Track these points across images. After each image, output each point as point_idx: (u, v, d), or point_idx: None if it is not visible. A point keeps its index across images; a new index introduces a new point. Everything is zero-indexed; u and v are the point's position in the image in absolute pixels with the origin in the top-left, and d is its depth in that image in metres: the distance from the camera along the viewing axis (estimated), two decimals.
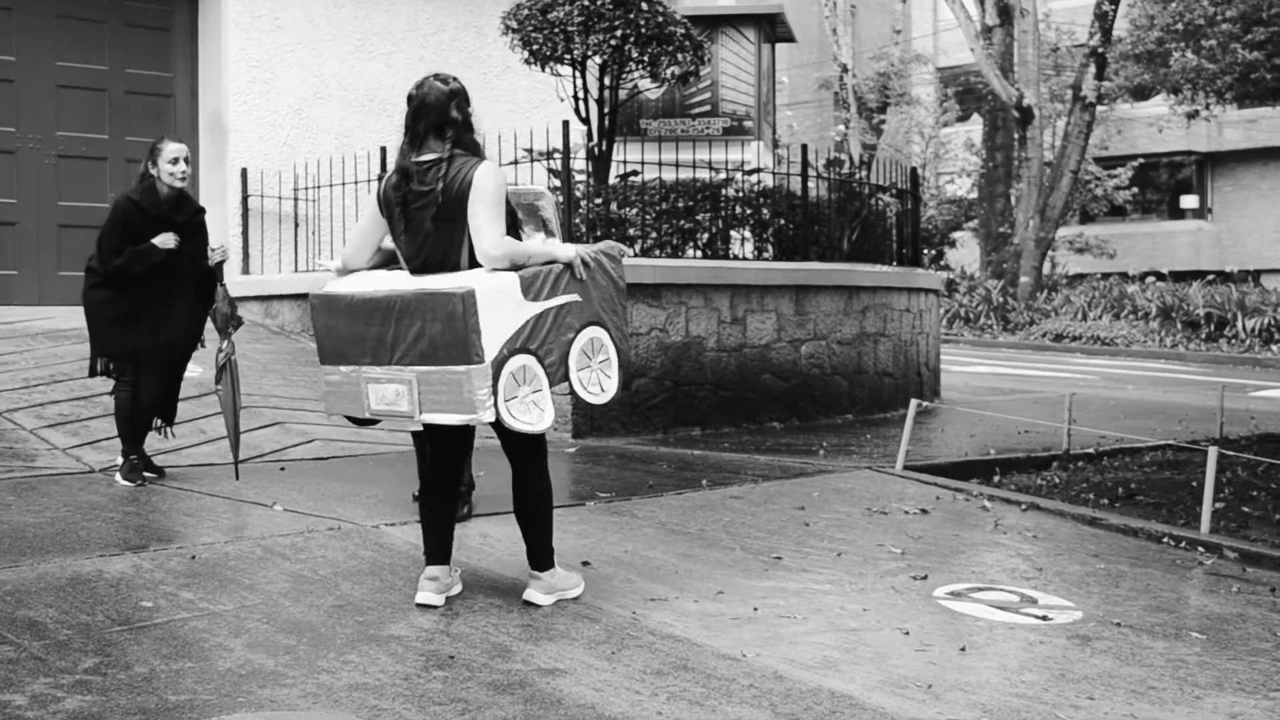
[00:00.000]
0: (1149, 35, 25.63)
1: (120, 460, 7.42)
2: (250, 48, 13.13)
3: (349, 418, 5.33)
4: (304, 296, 12.08)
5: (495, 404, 4.89)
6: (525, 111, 13.91)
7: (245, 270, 13.01)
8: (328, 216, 12.82)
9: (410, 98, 5.23)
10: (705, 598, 5.74)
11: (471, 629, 5.02)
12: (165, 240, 7.36)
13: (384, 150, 11.94)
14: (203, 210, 7.76)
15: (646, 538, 6.77)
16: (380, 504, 6.99)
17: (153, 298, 7.40)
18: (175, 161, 7.43)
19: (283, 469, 7.94)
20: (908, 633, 5.46)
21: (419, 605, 5.25)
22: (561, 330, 5.15)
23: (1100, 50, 26.83)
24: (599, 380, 5.35)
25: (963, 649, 5.30)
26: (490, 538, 6.41)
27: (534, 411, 5.02)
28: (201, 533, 6.24)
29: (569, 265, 5.19)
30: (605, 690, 4.46)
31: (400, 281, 5.10)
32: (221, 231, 13.04)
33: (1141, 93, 28.62)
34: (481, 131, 5.32)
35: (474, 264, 5.08)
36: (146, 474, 7.43)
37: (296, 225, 12.98)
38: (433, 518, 5.38)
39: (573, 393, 5.28)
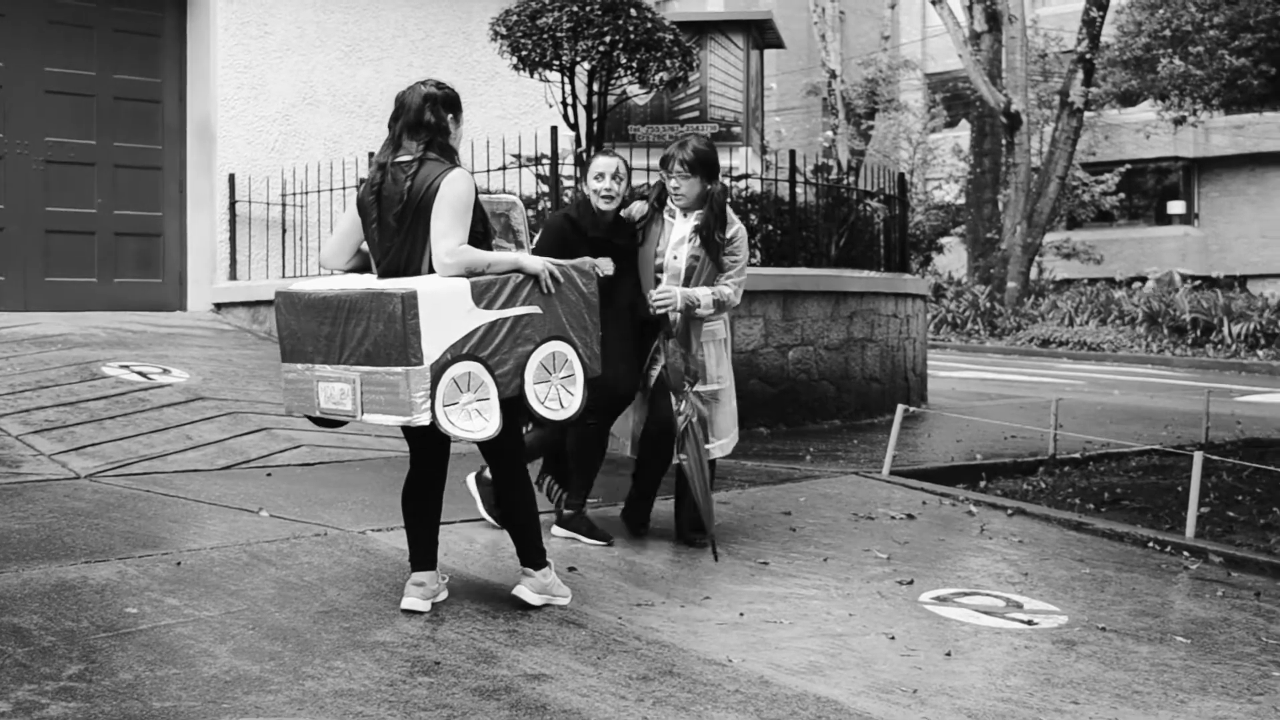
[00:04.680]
0: (1136, 41, 25.70)
1: (568, 512, 6.71)
2: (239, 53, 13.12)
3: (309, 417, 5.34)
4: None
5: (433, 408, 4.87)
6: (514, 117, 13.92)
7: (233, 276, 13.00)
8: (315, 222, 12.81)
9: (395, 98, 5.32)
10: (691, 603, 5.75)
11: (457, 635, 5.03)
12: (604, 266, 6.23)
13: (371, 155, 11.93)
14: (637, 234, 6.71)
15: (632, 543, 6.77)
16: (367, 509, 6.99)
17: None
18: (600, 177, 6.47)
19: (269, 475, 7.93)
20: (893, 637, 5.47)
21: (404, 611, 5.25)
22: (519, 341, 5.12)
23: (1088, 56, 26.90)
24: (559, 396, 5.28)
25: (948, 654, 5.31)
26: (476, 543, 6.41)
27: (476, 419, 4.98)
28: (187, 539, 6.24)
29: (535, 277, 5.18)
30: (591, 696, 4.46)
31: (360, 283, 5.12)
32: (209, 237, 13.04)
33: (1129, 99, 28.70)
34: (459, 138, 5.33)
35: (434, 270, 5.10)
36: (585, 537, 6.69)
37: (284, 231, 12.98)
38: (415, 516, 5.40)
39: (529, 408, 5.24)
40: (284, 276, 12.81)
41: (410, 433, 5.34)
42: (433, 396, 4.87)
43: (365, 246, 5.34)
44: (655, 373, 6.62)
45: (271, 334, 12.09)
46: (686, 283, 6.56)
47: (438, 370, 4.87)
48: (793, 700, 4.58)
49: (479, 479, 6.83)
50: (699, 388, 6.57)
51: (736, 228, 6.65)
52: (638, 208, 6.72)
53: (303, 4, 13.52)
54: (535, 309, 5.18)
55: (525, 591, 5.41)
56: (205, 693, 4.25)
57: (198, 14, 13.23)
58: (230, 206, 12.97)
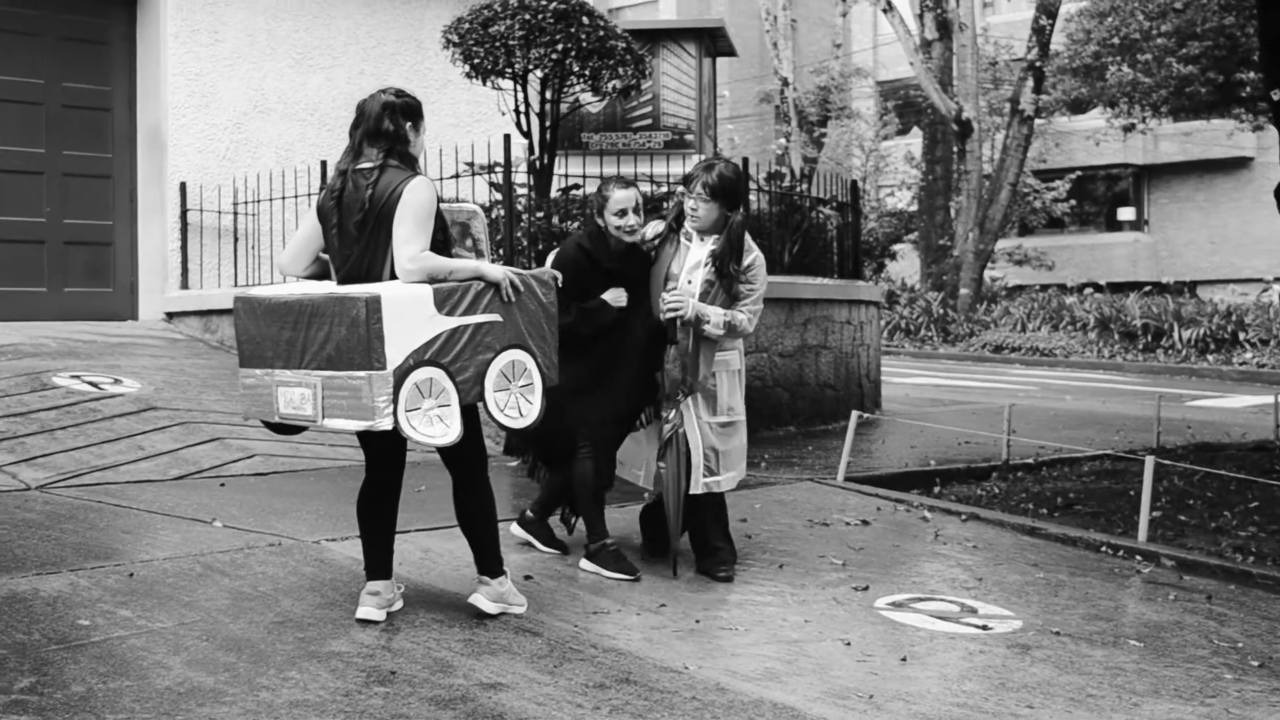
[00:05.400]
0: (1086, 50, 25.89)
1: (594, 545, 6.44)
2: (189, 61, 13.04)
3: (266, 424, 5.34)
4: None
5: (395, 413, 4.87)
6: (467, 125, 13.90)
7: (184, 285, 12.91)
8: (268, 231, 12.74)
9: (357, 106, 5.32)
10: (648, 610, 5.75)
11: (413, 644, 5.01)
12: (618, 297, 6.37)
13: (324, 164, 11.88)
14: (651, 259, 6.56)
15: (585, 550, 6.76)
16: (321, 519, 6.95)
17: (602, 364, 6.40)
18: (623, 213, 6.34)
19: (223, 485, 7.88)
20: (849, 643, 5.49)
21: (360, 621, 5.22)
22: (479, 349, 5.13)
23: (1038, 64, 27.10)
24: (518, 404, 5.29)
25: (904, 659, 5.33)
26: (432, 552, 6.39)
27: (437, 425, 4.98)
28: (140, 550, 6.19)
29: (496, 286, 5.19)
30: (547, 704, 4.46)
31: (320, 288, 5.12)
32: (160, 246, 12.95)
33: (1079, 106, 28.90)
34: (421, 146, 5.34)
35: (395, 277, 5.09)
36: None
37: (236, 240, 12.90)
38: (371, 523, 5.38)
39: (489, 415, 5.24)
40: (236, 285, 12.73)
41: (367, 439, 5.34)
42: (395, 401, 4.87)
43: (324, 254, 5.33)
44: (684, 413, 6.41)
45: (224, 343, 12.02)
46: None
47: (400, 375, 4.88)
48: (749, 707, 4.58)
49: (522, 521, 6.77)
50: (710, 419, 6.44)
51: (754, 256, 6.49)
52: (653, 228, 6.55)
53: (254, 11, 13.46)
54: (496, 317, 5.19)
55: (481, 600, 5.40)
56: (159, 705, 4.22)
57: (147, 21, 13.15)
58: (181, 215, 12.88)
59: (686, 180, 6.51)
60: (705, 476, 6.42)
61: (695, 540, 6.61)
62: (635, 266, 6.46)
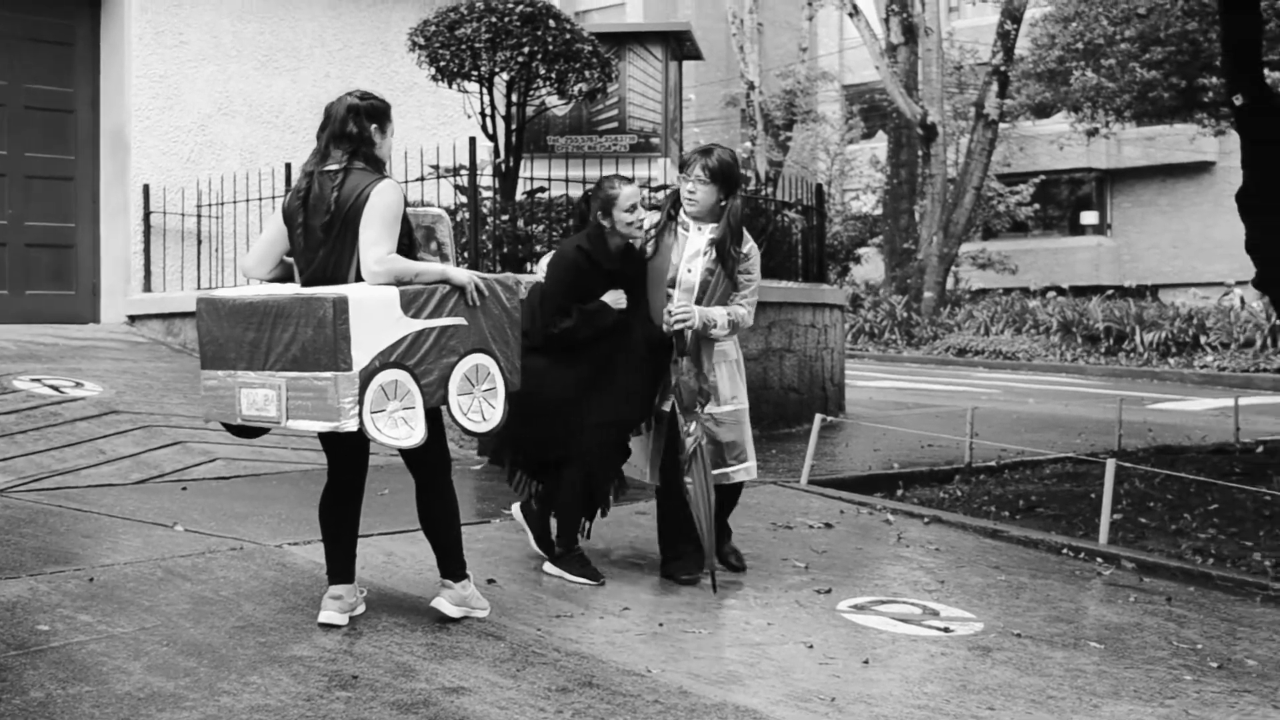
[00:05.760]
0: (1050, 54, 25.98)
1: (559, 549, 6.37)
2: (154, 63, 12.98)
3: (227, 427, 5.34)
4: None
5: (360, 414, 4.87)
6: (432, 128, 13.88)
7: (147, 288, 12.85)
8: (231, 233, 12.70)
9: (324, 108, 5.33)
10: (611, 614, 5.75)
11: (375, 648, 5.00)
12: (617, 299, 6.24)
13: (289, 167, 11.85)
14: (648, 256, 6.47)
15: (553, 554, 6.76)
16: (283, 523, 6.93)
17: (601, 366, 6.26)
18: (633, 209, 6.22)
19: (184, 489, 7.85)
20: (812, 646, 5.51)
21: (322, 625, 5.21)
22: (444, 352, 5.13)
23: (1003, 69, 27.24)
24: (480, 408, 5.28)
25: (866, 662, 5.35)
26: (395, 556, 6.38)
27: (402, 427, 4.98)
28: (100, 554, 6.16)
29: (461, 289, 5.19)
30: (510, 708, 4.46)
31: (286, 290, 5.12)
32: (123, 249, 12.89)
33: (1043, 110, 29.01)
34: (388, 148, 5.34)
35: (361, 279, 5.10)
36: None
37: (200, 242, 12.85)
38: (334, 527, 5.37)
39: (452, 419, 5.25)
40: (199, 288, 12.67)
41: (330, 441, 5.33)
42: (360, 403, 4.87)
43: (289, 257, 5.33)
44: (671, 400, 6.29)
45: (186, 346, 11.97)
46: (700, 298, 6.33)
47: (366, 377, 4.89)
48: (711, 710, 4.59)
49: (525, 509, 6.65)
50: (713, 409, 6.36)
51: (751, 245, 6.46)
52: (651, 218, 6.48)
53: (219, 13, 13.41)
54: (461, 320, 5.19)
55: (444, 604, 5.40)
56: (118, 710, 4.20)
57: (112, 23, 13.08)
58: (145, 218, 12.82)
59: (683, 165, 6.45)
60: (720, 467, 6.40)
61: (664, 541, 6.59)
62: (633, 266, 6.37)
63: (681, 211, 6.45)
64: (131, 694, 4.36)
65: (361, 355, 4.87)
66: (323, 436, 5.25)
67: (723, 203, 6.35)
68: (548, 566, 6.37)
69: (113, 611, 5.24)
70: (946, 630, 5.91)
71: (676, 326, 6.16)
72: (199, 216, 12.85)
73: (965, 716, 4.80)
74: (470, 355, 5.23)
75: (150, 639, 4.94)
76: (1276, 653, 5.95)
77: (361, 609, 5.42)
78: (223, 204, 12.75)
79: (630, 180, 6.33)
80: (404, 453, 5.25)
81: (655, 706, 4.59)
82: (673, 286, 6.38)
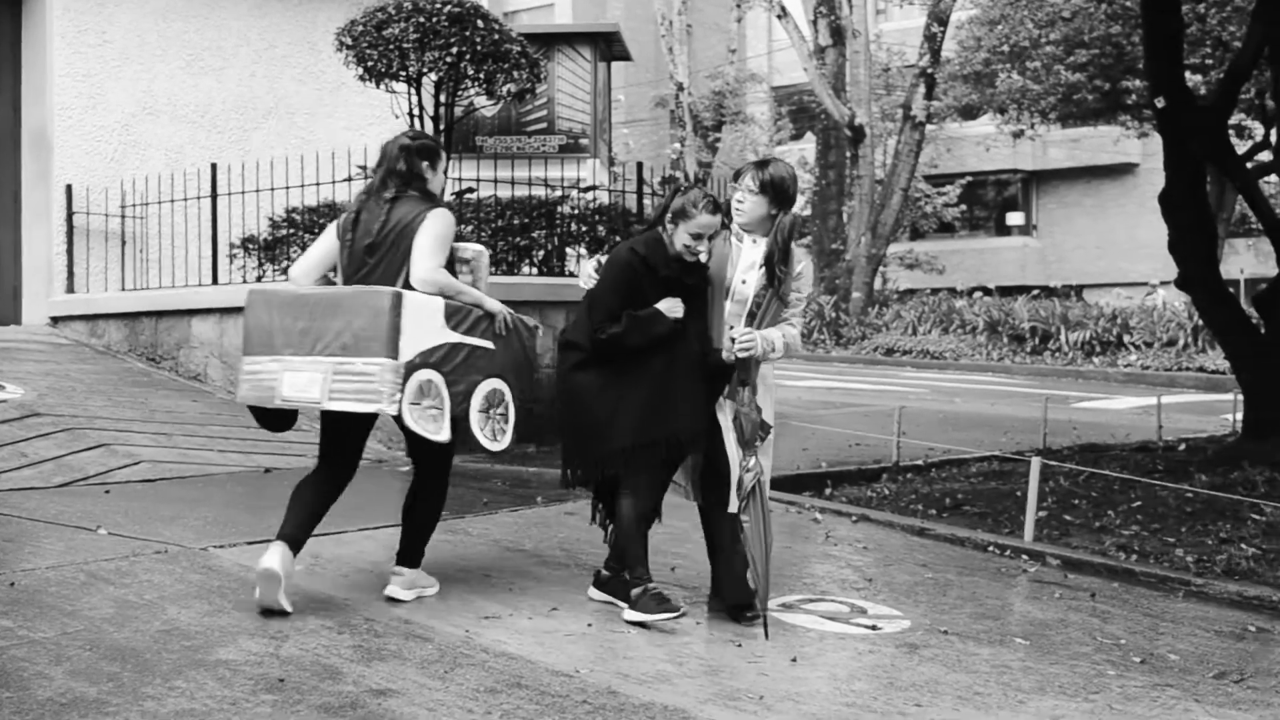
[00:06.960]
0: (976, 57, 26.26)
1: (635, 590, 5.75)
2: (76, 62, 12.83)
3: (257, 417, 5.74)
4: (132, 315, 11.83)
5: (401, 401, 5.28)
6: (360, 128, 13.79)
7: (70, 289, 12.70)
8: (156, 234, 12.56)
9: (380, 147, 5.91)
10: (539, 615, 5.74)
11: (302, 651, 4.97)
12: (673, 307, 5.72)
13: (214, 167, 11.75)
14: (707, 269, 5.94)
15: (481, 555, 6.76)
16: (209, 526, 6.87)
17: (656, 380, 5.74)
18: (699, 238, 5.78)
19: (108, 491, 7.76)
20: (740, 645, 5.52)
21: (261, 571, 5.30)
22: (471, 370, 5.59)
23: (929, 71, 27.48)
24: (494, 429, 5.72)
25: (794, 660, 5.38)
26: (321, 558, 6.34)
27: (433, 424, 5.42)
28: (21, 559, 6.08)
29: (493, 317, 5.68)
30: (438, 710, 4.44)
31: (336, 287, 5.62)
32: (45, 250, 12.72)
33: (969, 112, 29.29)
34: (441, 182, 5.91)
35: None
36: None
37: (124, 243, 12.71)
38: (311, 497, 5.59)
39: (470, 435, 5.59)
40: (124, 289, 12.54)
41: (333, 434, 5.68)
42: (402, 391, 5.29)
43: (333, 274, 5.77)
44: (719, 417, 5.90)
45: (110, 348, 11.84)
46: (754, 313, 5.90)
47: (409, 369, 5.32)
48: (640, 709, 4.60)
49: (599, 583, 6.12)
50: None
51: (804, 264, 6.18)
52: (705, 256, 5.95)
53: (143, 12, 13.27)
54: (490, 344, 5.68)
55: (396, 590, 5.75)
56: (40, 716, 4.15)
57: (33, 21, 12.91)
58: (68, 218, 12.67)
59: (737, 174, 6.11)
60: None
61: (725, 572, 6.11)
62: (694, 276, 5.87)
63: (733, 220, 6.07)
64: (53, 699, 4.30)
65: (408, 349, 5.30)
66: (325, 430, 5.67)
67: (774, 214, 5.94)
68: (628, 613, 5.73)
69: (34, 616, 5.18)
70: (874, 628, 5.94)
71: (741, 355, 5.75)
72: (123, 217, 12.72)
73: (892, 713, 4.83)
74: (492, 379, 5.70)
75: (73, 644, 4.88)
76: (1198, 647, 6.04)
77: (289, 608, 5.38)
78: (147, 204, 12.61)
79: (717, 212, 5.84)
80: (415, 450, 5.83)
81: (584, 707, 4.59)
82: (726, 298, 5.99)
